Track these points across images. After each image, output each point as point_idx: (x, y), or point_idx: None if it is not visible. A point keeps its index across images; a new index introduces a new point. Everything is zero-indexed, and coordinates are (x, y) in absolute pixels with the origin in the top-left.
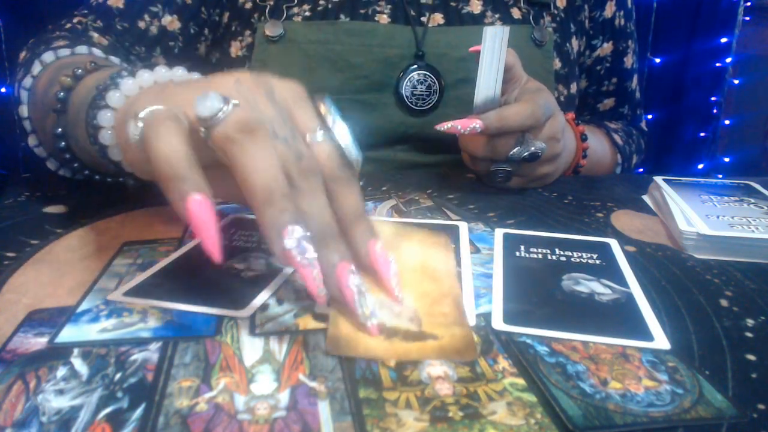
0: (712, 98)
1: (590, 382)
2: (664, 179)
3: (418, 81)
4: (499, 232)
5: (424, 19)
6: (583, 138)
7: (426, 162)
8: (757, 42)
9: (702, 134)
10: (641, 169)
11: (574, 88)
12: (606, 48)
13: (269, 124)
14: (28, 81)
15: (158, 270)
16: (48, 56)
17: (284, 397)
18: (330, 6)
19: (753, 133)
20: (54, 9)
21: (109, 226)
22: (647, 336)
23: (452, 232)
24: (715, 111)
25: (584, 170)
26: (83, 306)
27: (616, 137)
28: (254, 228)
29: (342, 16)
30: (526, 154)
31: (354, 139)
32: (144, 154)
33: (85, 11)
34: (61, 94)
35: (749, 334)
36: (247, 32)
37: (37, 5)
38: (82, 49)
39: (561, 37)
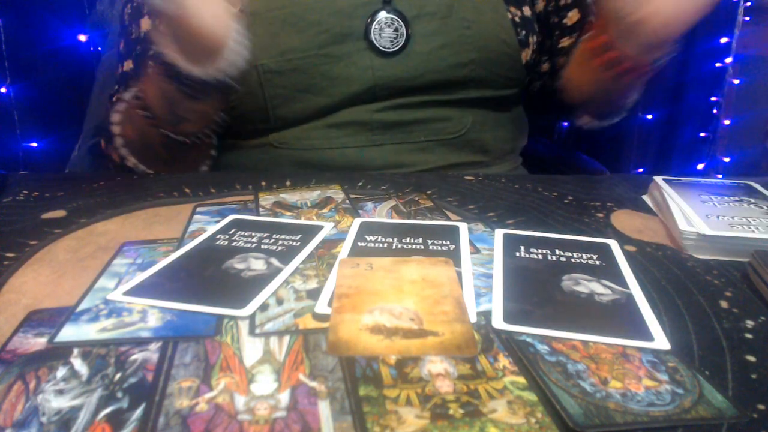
0: (712, 98)
1: (591, 381)
2: (664, 179)
3: (385, 24)
4: (499, 233)
5: None
6: None
7: (404, 120)
8: (757, 42)
9: (702, 134)
10: (641, 169)
11: (527, 11)
12: None
13: None
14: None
15: (158, 270)
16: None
17: (284, 397)
18: None
19: (753, 133)
20: (54, 9)
21: (108, 226)
22: (647, 336)
23: (452, 233)
24: (714, 111)
25: None
26: (83, 305)
27: None
28: (254, 228)
29: None
30: None
31: None
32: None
33: (117, 87)
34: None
35: (749, 336)
36: None
37: (37, 5)
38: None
39: None
